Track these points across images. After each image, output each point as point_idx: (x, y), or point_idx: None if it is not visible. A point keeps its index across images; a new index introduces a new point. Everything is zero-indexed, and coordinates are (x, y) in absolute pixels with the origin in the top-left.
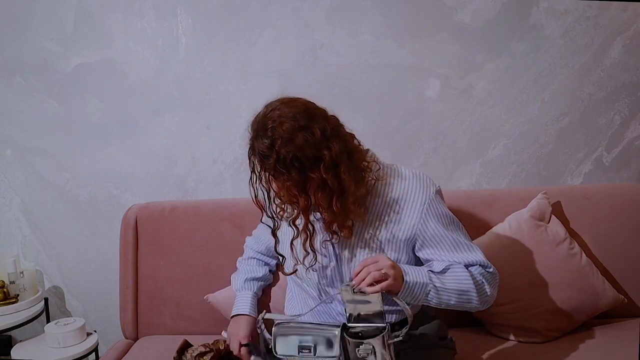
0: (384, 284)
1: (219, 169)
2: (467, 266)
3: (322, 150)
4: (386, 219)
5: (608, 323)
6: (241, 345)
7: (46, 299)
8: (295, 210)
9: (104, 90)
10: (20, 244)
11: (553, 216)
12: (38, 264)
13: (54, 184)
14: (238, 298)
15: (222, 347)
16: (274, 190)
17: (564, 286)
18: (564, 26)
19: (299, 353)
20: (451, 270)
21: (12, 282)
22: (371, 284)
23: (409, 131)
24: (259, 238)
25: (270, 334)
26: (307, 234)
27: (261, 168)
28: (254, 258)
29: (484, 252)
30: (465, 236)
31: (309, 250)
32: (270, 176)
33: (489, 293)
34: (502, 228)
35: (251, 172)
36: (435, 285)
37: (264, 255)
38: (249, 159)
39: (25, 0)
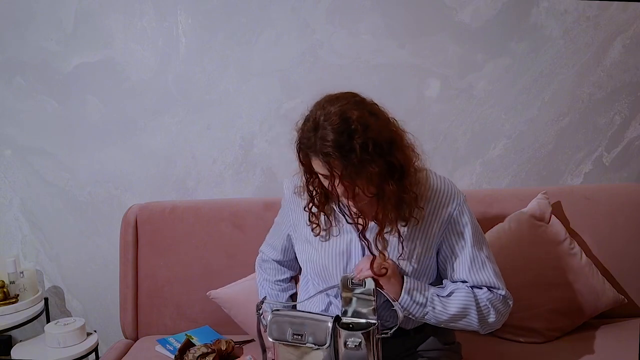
0: (378, 270)
1: (219, 169)
2: (476, 288)
3: (390, 132)
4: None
5: (608, 323)
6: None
7: (46, 299)
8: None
9: (104, 90)
10: (20, 244)
11: (553, 216)
12: (38, 264)
13: (54, 184)
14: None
15: (224, 348)
16: (355, 188)
17: (564, 286)
18: (564, 26)
19: (291, 338)
20: (456, 295)
21: (12, 282)
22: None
23: (409, 131)
24: (274, 246)
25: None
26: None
27: (343, 166)
28: (276, 281)
29: None
30: (487, 250)
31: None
32: (352, 173)
33: (491, 321)
34: (502, 228)
35: (312, 182)
36: (434, 308)
37: (283, 267)
38: (310, 166)
39: (25, 0)
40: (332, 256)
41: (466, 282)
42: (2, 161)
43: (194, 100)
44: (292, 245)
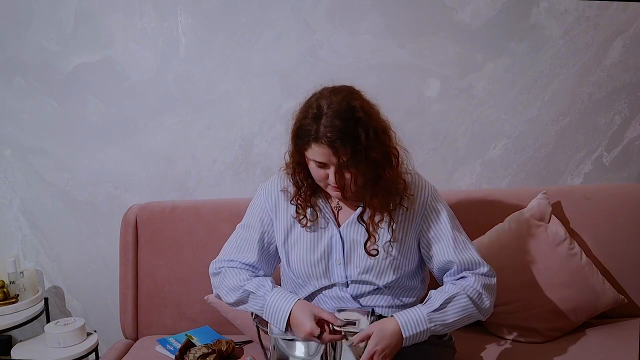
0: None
1: (219, 169)
2: (463, 279)
3: (383, 121)
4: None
5: (608, 323)
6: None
7: (46, 299)
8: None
9: (104, 90)
10: (20, 244)
11: (553, 216)
12: (38, 264)
13: (54, 184)
14: (271, 297)
15: (224, 348)
16: (347, 178)
17: (564, 286)
18: (564, 26)
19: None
20: (452, 304)
21: (12, 282)
22: None
23: (409, 131)
24: (248, 247)
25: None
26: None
27: (349, 152)
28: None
29: (484, 252)
30: (465, 233)
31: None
32: (358, 159)
33: (487, 306)
34: (502, 228)
35: (299, 173)
36: (436, 325)
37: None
38: (303, 156)
39: (25, 0)
40: (315, 252)
41: (452, 262)
42: (2, 161)
43: (194, 100)
44: (268, 244)
